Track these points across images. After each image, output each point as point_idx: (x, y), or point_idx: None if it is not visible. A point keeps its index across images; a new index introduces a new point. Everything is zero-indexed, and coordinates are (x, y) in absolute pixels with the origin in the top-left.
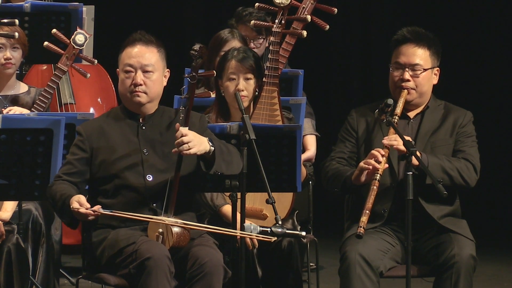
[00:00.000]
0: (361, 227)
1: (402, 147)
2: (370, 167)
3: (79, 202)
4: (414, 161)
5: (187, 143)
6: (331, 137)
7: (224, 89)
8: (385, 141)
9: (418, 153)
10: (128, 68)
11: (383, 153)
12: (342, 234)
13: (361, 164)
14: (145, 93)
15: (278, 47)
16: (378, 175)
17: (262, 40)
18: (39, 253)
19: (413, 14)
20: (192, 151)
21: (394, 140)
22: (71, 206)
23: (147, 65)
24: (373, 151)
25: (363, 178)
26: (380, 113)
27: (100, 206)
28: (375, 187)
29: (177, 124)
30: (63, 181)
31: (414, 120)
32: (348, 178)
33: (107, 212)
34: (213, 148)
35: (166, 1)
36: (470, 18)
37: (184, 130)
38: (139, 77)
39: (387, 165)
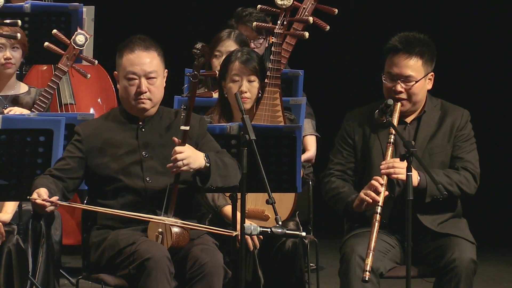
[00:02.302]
0: (366, 271)
1: (401, 176)
2: (371, 200)
3: (38, 193)
4: (413, 182)
5: (182, 160)
6: (330, 137)
7: (227, 90)
8: (383, 169)
9: (416, 174)
10: (132, 76)
11: (382, 182)
12: (342, 234)
13: (362, 195)
14: (150, 99)
15: (280, 49)
16: (379, 207)
17: (263, 40)
18: (39, 253)
19: (412, 15)
20: (185, 168)
21: (392, 167)
22: (29, 197)
23: (150, 72)
24: (372, 182)
25: (363, 207)
26: (381, 113)
27: (57, 197)
28: (377, 222)
29: (174, 138)
30: (47, 176)
31: (411, 125)
32: (350, 204)
33: (64, 203)
34: (208, 164)
35: (166, 2)
36: (469, 17)
37: (179, 147)
38: (144, 84)
39: (387, 193)
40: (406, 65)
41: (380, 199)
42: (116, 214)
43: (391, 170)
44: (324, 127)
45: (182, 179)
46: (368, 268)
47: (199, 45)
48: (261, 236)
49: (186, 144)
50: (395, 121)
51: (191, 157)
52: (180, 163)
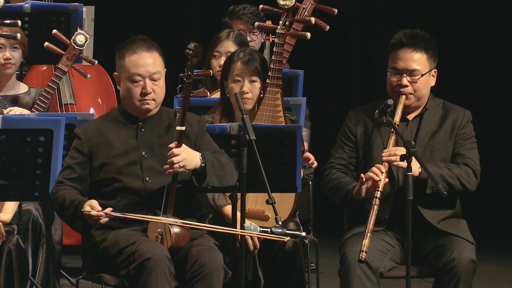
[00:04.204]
0: (363, 251)
1: (402, 164)
2: (370, 183)
3: (91, 206)
4: (415, 172)
5: (178, 163)
6: (330, 138)
7: (228, 90)
8: (384, 157)
9: (418, 165)
10: (137, 78)
11: (383, 170)
12: (342, 234)
13: (362, 178)
14: (154, 100)
15: (282, 49)
16: (379, 192)
17: (258, 33)
18: (39, 253)
19: (412, 14)
20: (182, 170)
21: (394, 155)
22: (83, 210)
23: (155, 73)
24: (373, 168)
25: (363, 193)
26: (381, 113)
27: (111, 209)
28: (376, 206)
29: (172, 144)
30: (68, 187)
31: (412, 122)
32: (350, 192)
33: (118, 214)
34: (204, 164)
35: (166, 1)
36: (470, 17)
37: (176, 149)
38: (149, 85)
39: (387, 180)
40: (411, 59)
41: (381, 184)
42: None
43: (393, 158)
44: (324, 127)
45: (181, 179)
46: (364, 249)
47: (191, 45)
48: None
49: (183, 145)
50: (399, 114)
51: (186, 159)
52: (176, 165)
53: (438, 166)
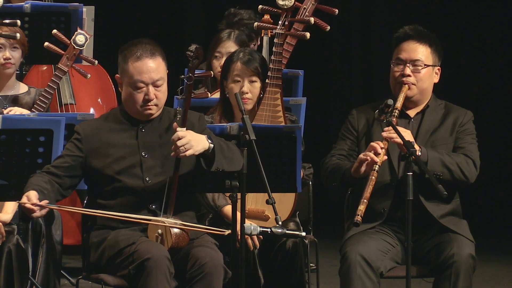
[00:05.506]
0: (358, 215)
1: (401, 140)
2: (369, 158)
3: (28, 197)
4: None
5: (183, 145)
6: (331, 138)
7: (228, 91)
8: (385, 133)
9: (417, 147)
10: (140, 85)
11: (382, 145)
12: (342, 234)
13: (361, 155)
14: (156, 105)
15: (281, 49)
16: (377, 166)
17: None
18: (39, 253)
19: (413, 14)
20: (188, 152)
21: (394, 132)
22: (18, 201)
23: (158, 79)
24: (372, 143)
25: (362, 169)
26: (380, 113)
27: (47, 201)
28: (373, 177)
29: (174, 124)
30: (43, 174)
31: (414, 119)
32: (348, 171)
33: (53, 206)
34: (212, 145)
35: (165, 2)
36: (471, 18)
37: (180, 132)
38: (152, 92)
39: (386, 157)
40: (415, 50)
41: (379, 160)
42: (106, 216)
43: (393, 135)
44: (324, 128)
45: (184, 171)
46: (360, 213)
47: (192, 47)
48: (260, 236)
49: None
50: (400, 100)
51: (192, 140)
52: (182, 148)
53: (438, 151)
